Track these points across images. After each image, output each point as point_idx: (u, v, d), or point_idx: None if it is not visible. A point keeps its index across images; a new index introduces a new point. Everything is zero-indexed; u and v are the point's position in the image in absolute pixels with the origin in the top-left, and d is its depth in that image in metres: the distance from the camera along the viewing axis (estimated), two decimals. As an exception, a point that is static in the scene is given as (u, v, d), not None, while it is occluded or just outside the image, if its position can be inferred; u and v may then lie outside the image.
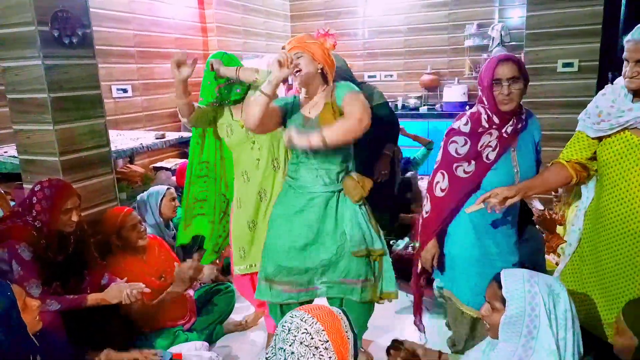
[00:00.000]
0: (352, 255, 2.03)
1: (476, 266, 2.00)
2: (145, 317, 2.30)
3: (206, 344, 2.36)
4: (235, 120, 2.35)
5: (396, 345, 1.86)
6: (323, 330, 1.20)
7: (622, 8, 3.88)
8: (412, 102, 5.82)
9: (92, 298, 1.99)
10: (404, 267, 3.08)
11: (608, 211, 1.72)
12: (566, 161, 1.80)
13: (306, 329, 1.19)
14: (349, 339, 1.23)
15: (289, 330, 1.20)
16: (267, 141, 2.34)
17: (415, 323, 2.36)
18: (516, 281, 1.46)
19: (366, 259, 2.06)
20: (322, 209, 2.01)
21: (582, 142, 1.78)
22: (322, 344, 1.19)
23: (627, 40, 1.57)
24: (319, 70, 1.96)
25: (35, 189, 2.01)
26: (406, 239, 3.37)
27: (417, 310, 2.33)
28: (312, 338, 1.18)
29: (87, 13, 2.40)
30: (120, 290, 2.02)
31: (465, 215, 1.95)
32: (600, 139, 1.73)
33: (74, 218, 2.02)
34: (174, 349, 2.22)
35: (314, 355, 1.17)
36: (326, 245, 2.02)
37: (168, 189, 3.04)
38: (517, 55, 1.96)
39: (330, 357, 1.19)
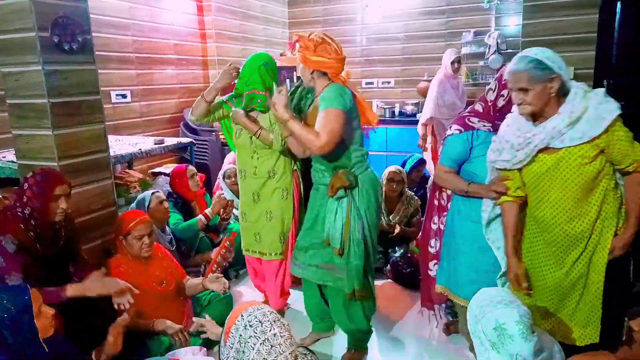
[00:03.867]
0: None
1: (469, 259, 2.14)
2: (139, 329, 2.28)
3: (204, 348, 2.35)
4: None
5: None
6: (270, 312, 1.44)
7: (617, 16, 3.92)
8: (409, 108, 5.85)
9: (72, 289, 1.96)
10: (399, 273, 3.22)
11: (539, 227, 1.87)
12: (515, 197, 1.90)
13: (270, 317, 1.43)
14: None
15: (261, 323, 1.40)
16: (267, 154, 2.55)
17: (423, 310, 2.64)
18: (476, 302, 1.56)
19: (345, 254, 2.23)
20: (320, 199, 2.30)
21: (514, 175, 1.88)
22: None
23: (508, 71, 1.74)
24: (312, 73, 2.20)
25: (28, 177, 2.03)
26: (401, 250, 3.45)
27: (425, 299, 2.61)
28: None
29: (87, 19, 2.41)
30: (100, 283, 1.99)
31: (456, 210, 2.19)
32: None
33: (63, 205, 2.02)
34: (172, 354, 2.22)
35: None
36: (320, 230, 2.28)
37: (153, 193, 3.01)
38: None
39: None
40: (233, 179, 3.62)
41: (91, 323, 2.05)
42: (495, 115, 2.04)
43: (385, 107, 5.90)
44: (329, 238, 2.22)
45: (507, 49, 5.29)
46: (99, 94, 2.52)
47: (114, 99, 4.03)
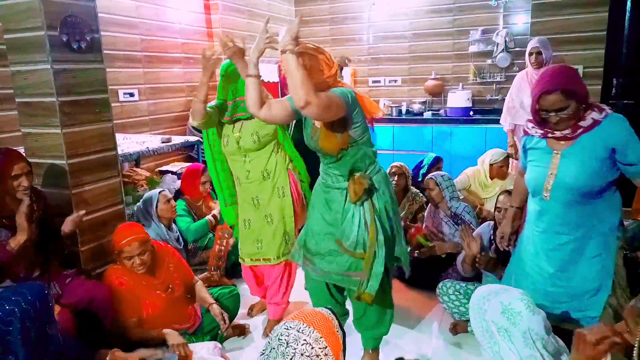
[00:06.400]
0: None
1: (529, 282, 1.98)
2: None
3: (219, 345, 2.31)
4: (233, 134, 2.52)
5: None
6: (321, 338, 1.21)
7: (627, 14, 3.89)
8: (416, 107, 5.83)
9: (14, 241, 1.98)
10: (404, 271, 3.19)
11: None
12: None
13: (305, 340, 1.19)
14: (340, 337, 1.27)
15: (287, 344, 1.19)
16: (258, 157, 2.53)
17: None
18: (476, 297, 1.57)
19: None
20: (332, 203, 2.14)
21: None
22: (322, 351, 1.20)
23: None
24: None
25: None
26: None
27: None
28: (312, 347, 1.19)
29: (96, 18, 2.43)
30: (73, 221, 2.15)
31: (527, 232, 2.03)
32: None
33: (25, 184, 2.06)
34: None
35: None
36: (334, 235, 2.13)
37: (160, 192, 3.02)
38: (565, 75, 1.73)
39: None
40: None
41: (98, 319, 2.09)
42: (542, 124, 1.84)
43: (393, 105, 5.89)
44: (347, 243, 2.08)
45: (515, 47, 5.25)
46: (107, 92, 2.53)
47: (121, 98, 4.05)
